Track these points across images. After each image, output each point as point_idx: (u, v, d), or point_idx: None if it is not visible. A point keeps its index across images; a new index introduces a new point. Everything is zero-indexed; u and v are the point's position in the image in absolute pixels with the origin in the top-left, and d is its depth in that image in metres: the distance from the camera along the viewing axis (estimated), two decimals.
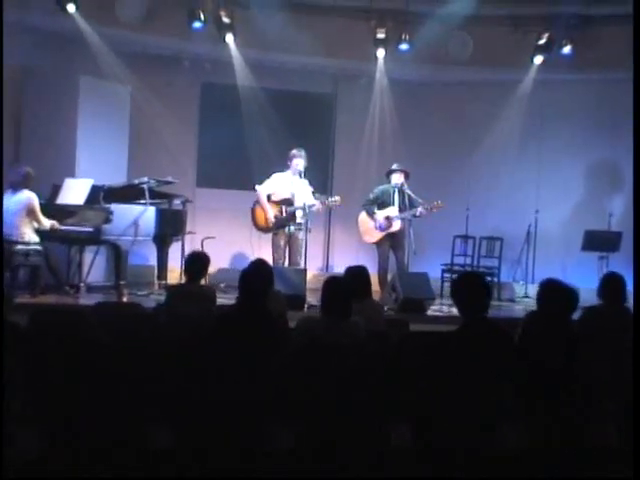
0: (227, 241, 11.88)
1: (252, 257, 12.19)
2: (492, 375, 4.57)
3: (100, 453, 4.47)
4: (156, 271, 11.03)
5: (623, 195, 12.58)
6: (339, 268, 13.06)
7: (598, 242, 11.80)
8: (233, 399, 4.62)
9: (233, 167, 12.67)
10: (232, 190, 12.64)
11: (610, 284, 6.52)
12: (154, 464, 4.46)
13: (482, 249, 12.95)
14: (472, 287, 4.82)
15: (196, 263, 7.04)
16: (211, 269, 11.26)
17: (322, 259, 13.39)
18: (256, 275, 5.34)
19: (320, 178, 12.21)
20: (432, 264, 11.90)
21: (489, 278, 12.69)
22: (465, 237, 12.90)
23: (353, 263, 12.86)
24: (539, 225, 12.50)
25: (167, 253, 10.89)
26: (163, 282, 10.78)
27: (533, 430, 4.33)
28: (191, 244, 11.40)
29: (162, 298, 9.93)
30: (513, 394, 4.52)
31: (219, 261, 11.77)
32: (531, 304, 11.74)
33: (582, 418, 4.51)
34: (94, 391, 4.69)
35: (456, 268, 12.80)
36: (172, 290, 7.25)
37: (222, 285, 10.78)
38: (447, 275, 12.65)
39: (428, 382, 4.63)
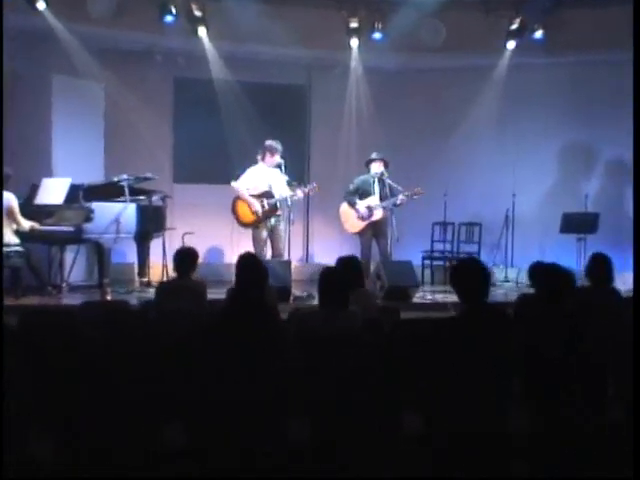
0: (206, 236, 11.79)
1: (232, 251, 12.33)
2: (496, 361, 4.57)
3: (101, 454, 4.43)
4: (137, 268, 10.96)
5: (598, 176, 12.69)
6: (319, 258, 13.11)
7: (576, 224, 11.86)
8: (238, 396, 4.58)
9: (209, 161, 12.55)
10: (209, 185, 12.56)
11: (598, 265, 6.58)
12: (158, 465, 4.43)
13: (461, 235, 13.03)
14: (472, 273, 4.81)
15: (185, 258, 7.02)
16: None
17: (302, 250, 13.34)
18: (252, 268, 5.31)
19: (297, 169, 12.16)
20: (412, 251, 11.93)
21: None
22: (444, 223, 12.94)
23: (333, 253, 12.96)
24: (517, 209, 12.51)
25: (148, 250, 10.84)
26: (144, 279, 10.75)
27: (542, 417, 4.33)
28: (170, 240, 11.33)
29: (145, 295, 10.05)
30: (519, 380, 4.52)
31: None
32: (512, 288, 11.86)
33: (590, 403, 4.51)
34: (92, 392, 4.64)
35: (436, 255, 12.87)
36: (162, 286, 7.22)
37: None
38: (427, 262, 12.71)
39: (433, 370, 4.62)
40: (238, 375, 4.66)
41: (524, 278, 11.86)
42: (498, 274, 12.58)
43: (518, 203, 12.52)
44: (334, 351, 4.87)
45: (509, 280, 12.30)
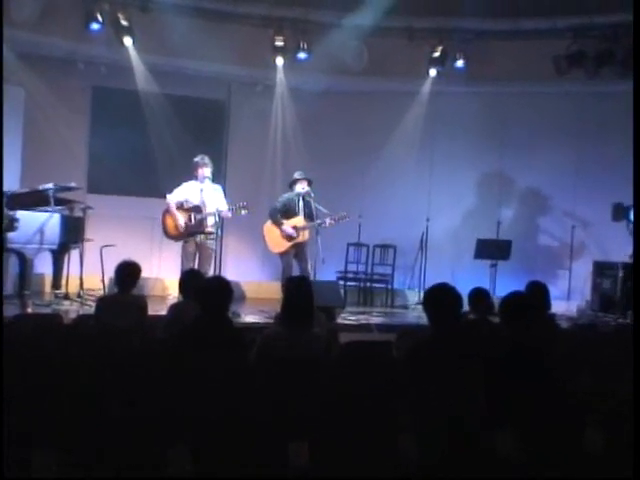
0: (123, 248, 11.53)
1: (153, 265, 12.13)
2: (466, 382, 4.66)
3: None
4: (52, 280, 10.65)
5: (511, 204, 13.01)
6: (232, 276, 12.97)
7: (490, 250, 12.13)
8: (209, 414, 4.51)
9: (127, 173, 12.27)
10: (127, 196, 12.39)
11: (479, 297, 6.73)
12: None
13: (376, 257, 13.15)
14: (445, 298, 4.91)
15: (129, 273, 6.89)
16: (106, 277, 11.11)
17: (215, 267, 13.22)
18: (223, 291, 5.29)
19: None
20: (326, 271, 11.94)
21: (382, 285, 12.96)
22: (358, 244, 13.04)
23: (247, 271, 12.94)
24: (431, 233, 12.67)
25: (64, 261, 10.56)
26: (60, 291, 10.48)
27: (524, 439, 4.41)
28: (86, 251, 11.06)
29: (60, 308, 9.80)
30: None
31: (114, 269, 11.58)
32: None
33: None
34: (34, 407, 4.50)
35: (350, 275, 12.95)
36: (103, 300, 7.07)
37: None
38: (341, 282, 12.75)
39: (406, 390, 4.68)
40: (202, 392, 4.61)
41: None
42: (411, 297, 12.78)
43: (432, 228, 12.69)
44: (302, 374, 4.87)
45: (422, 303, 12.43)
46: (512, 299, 5.18)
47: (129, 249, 11.52)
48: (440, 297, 4.97)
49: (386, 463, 4.33)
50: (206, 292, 5.26)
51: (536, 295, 6.72)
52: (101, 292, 10.77)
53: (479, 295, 6.77)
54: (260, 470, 4.12)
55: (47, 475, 4.02)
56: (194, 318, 5.38)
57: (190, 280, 6.88)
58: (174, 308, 7.02)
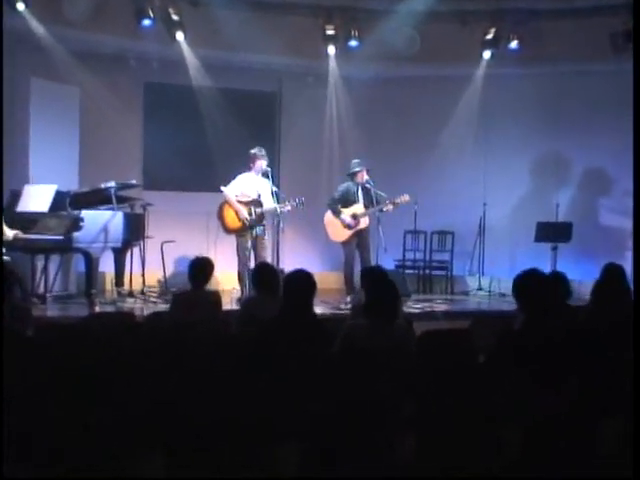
0: (180, 244, 11.55)
1: (212, 259, 12.10)
2: (559, 370, 4.57)
3: None
4: (114, 278, 10.68)
5: (569, 186, 12.80)
6: (289, 267, 12.93)
7: (551, 233, 11.94)
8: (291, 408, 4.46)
9: (181, 168, 12.25)
10: (181, 192, 12.37)
11: (557, 282, 6.55)
12: None
13: (434, 243, 13.05)
14: (536, 284, 4.83)
15: (203, 269, 6.90)
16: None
17: (271, 259, 13.19)
18: (306, 283, 5.26)
19: None
20: (384, 260, 11.84)
21: (442, 272, 12.86)
22: (416, 232, 12.94)
23: (303, 262, 12.85)
24: (489, 218, 12.55)
25: (125, 259, 10.59)
26: (122, 289, 10.51)
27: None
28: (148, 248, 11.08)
29: (124, 305, 9.83)
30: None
31: (172, 264, 11.66)
32: (485, 296, 11.99)
33: None
34: (118, 408, 4.46)
35: (408, 263, 12.86)
36: (178, 297, 7.08)
37: (174, 290, 10.40)
38: (400, 270, 12.65)
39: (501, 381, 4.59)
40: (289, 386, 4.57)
41: (497, 287, 12.01)
42: (471, 283, 12.67)
43: (490, 212, 12.55)
44: (389, 365, 4.80)
45: (482, 289, 12.33)
46: (605, 284, 5.10)
47: (186, 244, 11.61)
48: (531, 284, 4.85)
49: (485, 455, 4.25)
50: (291, 286, 5.23)
51: (616, 278, 6.60)
52: (161, 289, 10.86)
53: (558, 280, 6.61)
54: (364, 464, 4.06)
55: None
56: (279, 312, 5.35)
57: (265, 274, 6.84)
58: (247, 302, 7.03)
